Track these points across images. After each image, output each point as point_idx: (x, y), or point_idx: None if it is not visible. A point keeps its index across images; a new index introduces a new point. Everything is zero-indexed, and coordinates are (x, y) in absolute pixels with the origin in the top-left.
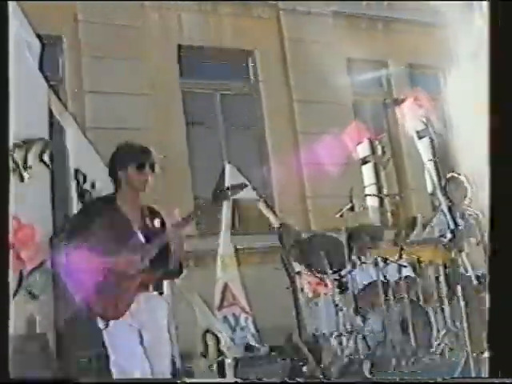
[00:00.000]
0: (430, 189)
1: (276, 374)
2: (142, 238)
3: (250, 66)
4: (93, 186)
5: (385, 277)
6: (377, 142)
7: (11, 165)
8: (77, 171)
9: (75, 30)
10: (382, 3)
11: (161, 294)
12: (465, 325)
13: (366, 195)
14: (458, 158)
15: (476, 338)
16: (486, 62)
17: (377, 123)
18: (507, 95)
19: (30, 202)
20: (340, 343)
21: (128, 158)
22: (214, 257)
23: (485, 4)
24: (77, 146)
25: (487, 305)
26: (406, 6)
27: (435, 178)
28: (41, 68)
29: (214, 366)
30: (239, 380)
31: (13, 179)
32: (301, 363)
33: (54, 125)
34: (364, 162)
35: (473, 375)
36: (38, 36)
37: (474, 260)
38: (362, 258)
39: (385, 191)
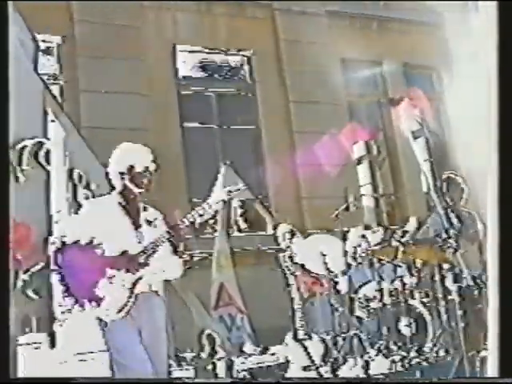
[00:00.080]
0: (425, 189)
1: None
2: (140, 238)
3: (243, 67)
4: (88, 185)
5: (380, 277)
6: (372, 142)
7: None
8: (72, 171)
9: (71, 29)
10: (378, 3)
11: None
12: (460, 325)
13: (362, 195)
14: (455, 158)
15: (472, 338)
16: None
17: (372, 123)
18: None
19: (25, 202)
20: (335, 343)
21: (127, 158)
22: (205, 259)
23: (481, 4)
24: (72, 146)
25: (496, 305)
26: (401, 5)
27: (430, 179)
28: (35, 68)
29: (210, 366)
30: (234, 380)
31: None
32: (296, 363)
33: (48, 125)
34: (359, 162)
35: (467, 375)
36: (33, 36)
37: (469, 260)
38: (358, 258)
39: (380, 191)
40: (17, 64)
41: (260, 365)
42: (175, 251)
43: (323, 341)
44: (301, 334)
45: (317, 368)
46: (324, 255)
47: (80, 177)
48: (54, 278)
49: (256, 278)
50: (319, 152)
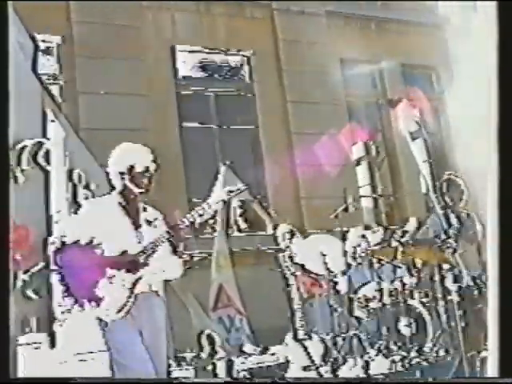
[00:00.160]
0: (424, 190)
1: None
2: (140, 238)
3: (243, 67)
4: (87, 186)
5: (379, 277)
6: (371, 143)
7: None
8: (71, 172)
9: (69, 30)
10: (376, 3)
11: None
12: (459, 325)
13: (361, 196)
14: (454, 158)
15: (472, 338)
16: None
17: (371, 124)
18: None
19: (24, 203)
20: (334, 344)
21: (127, 158)
22: (205, 259)
23: (480, 4)
24: (71, 147)
25: (496, 305)
26: (400, 6)
27: (429, 180)
28: (34, 69)
29: (209, 367)
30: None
31: None
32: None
33: (47, 126)
34: (358, 162)
35: (467, 375)
36: (31, 36)
37: (468, 261)
38: (357, 258)
39: (379, 192)
40: (15, 65)
41: (260, 365)
42: (175, 251)
43: (323, 341)
44: (300, 335)
45: (317, 368)
46: (324, 255)
47: (80, 177)
48: (54, 278)
49: (255, 278)
50: (318, 152)
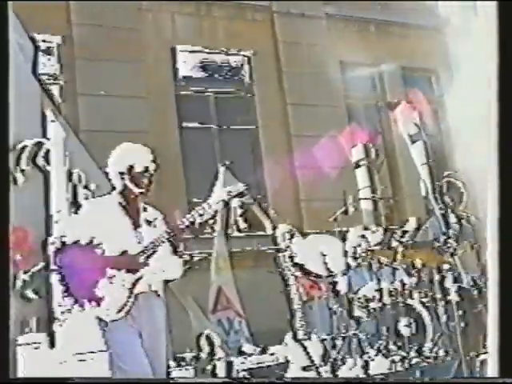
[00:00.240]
0: (423, 192)
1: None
2: (140, 238)
3: (243, 68)
4: (87, 188)
5: (379, 280)
6: (371, 145)
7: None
8: (70, 173)
9: (69, 31)
10: (376, 6)
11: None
12: (459, 327)
13: (360, 199)
14: (454, 160)
15: (471, 339)
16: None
17: (371, 126)
18: None
19: (23, 204)
20: (333, 346)
21: (127, 158)
22: (204, 259)
23: (480, 4)
24: (70, 149)
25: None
26: (400, 8)
27: (428, 182)
28: (34, 70)
29: (208, 369)
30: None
31: None
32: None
33: (47, 127)
34: (358, 165)
35: (467, 375)
36: (31, 38)
37: (467, 263)
38: (356, 261)
39: (378, 194)
40: (15, 66)
41: (260, 365)
42: (175, 251)
43: (322, 341)
44: (300, 335)
45: (317, 368)
46: (324, 255)
47: (79, 177)
48: (54, 278)
49: (254, 280)
50: (318, 154)
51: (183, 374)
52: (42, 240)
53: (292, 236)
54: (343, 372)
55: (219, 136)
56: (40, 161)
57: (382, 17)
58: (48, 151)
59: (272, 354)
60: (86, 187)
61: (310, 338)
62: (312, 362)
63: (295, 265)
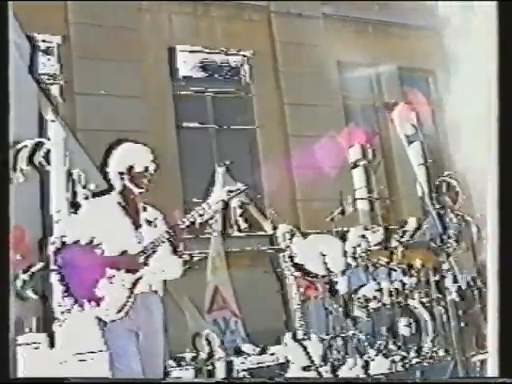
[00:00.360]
0: (420, 193)
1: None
2: (140, 238)
3: (242, 68)
4: (84, 188)
5: (375, 280)
6: (368, 146)
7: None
8: (70, 173)
9: (66, 31)
10: (374, 6)
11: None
12: (454, 328)
13: (357, 199)
14: (453, 160)
15: (469, 339)
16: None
17: (368, 127)
18: None
19: (19, 204)
20: (330, 346)
21: (127, 158)
22: (204, 259)
23: (477, 4)
24: (67, 148)
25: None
26: (398, 8)
27: (425, 183)
28: (31, 70)
29: (204, 369)
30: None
31: None
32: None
33: (44, 127)
34: (355, 165)
35: (467, 375)
36: (28, 37)
37: (464, 264)
38: (353, 261)
39: (375, 195)
40: (13, 65)
41: (260, 365)
42: (175, 251)
43: (322, 341)
44: (299, 335)
45: (316, 368)
46: (324, 255)
47: (79, 177)
48: (54, 278)
49: (251, 280)
50: (316, 154)
51: (183, 374)
52: (39, 239)
53: (292, 236)
54: (343, 372)
55: (217, 136)
56: (38, 160)
57: (380, 17)
58: (48, 151)
59: (272, 354)
60: (85, 187)
61: (309, 338)
62: (312, 362)
63: (295, 265)
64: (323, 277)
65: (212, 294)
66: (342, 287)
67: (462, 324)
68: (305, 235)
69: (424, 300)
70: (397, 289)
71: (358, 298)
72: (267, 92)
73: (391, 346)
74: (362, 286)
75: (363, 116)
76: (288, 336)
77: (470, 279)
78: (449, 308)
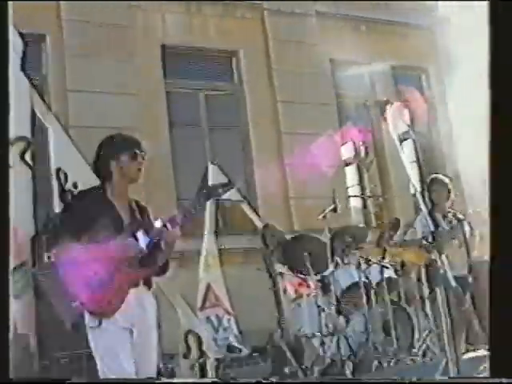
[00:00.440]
0: (412, 191)
1: (257, 375)
2: (132, 236)
3: (235, 66)
4: (75, 185)
5: (367, 278)
6: (360, 144)
7: None
8: (58, 170)
9: (59, 28)
10: (367, 3)
11: (149, 288)
12: (445, 326)
13: (349, 196)
14: (449, 159)
15: (459, 338)
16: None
17: (361, 125)
18: (508, 96)
19: (11, 202)
20: (322, 344)
21: (121, 147)
22: (197, 257)
23: (475, 4)
24: (58, 145)
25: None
26: (393, 7)
27: (417, 181)
28: (23, 67)
29: (196, 367)
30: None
31: None
32: (282, 364)
33: (36, 124)
34: (347, 163)
35: (458, 375)
36: (21, 34)
37: (455, 262)
38: (345, 259)
39: (368, 192)
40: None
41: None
42: (167, 249)
43: (311, 341)
44: (289, 334)
45: (306, 368)
46: (311, 254)
47: (67, 174)
48: (49, 277)
49: (243, 277)
50: (309, 152)
51: (170, 374)
52: (31, 237)
53: (282, 234)
54: (333, 372)
55: (210, 134)
56: (30, 158)
57: (374, 15)
58: (40, 148)
59: (262, 354)
60: (75, 184)
61: (299, 338)
62: (302, 361)
63: (284, 263)
64: (315, 274)
65: (205, 292)
66: (331, 285)
67: (453, 321)
68: (294, 233)
69: (415, 297)
70: (388, 286)
71: (346, 298)
72: (260, 90)
73: (380, 345)
74: (355, 283)
75: (356, 114)
76: (278, 335)
77: (464, 276)
78: (440, 305)
